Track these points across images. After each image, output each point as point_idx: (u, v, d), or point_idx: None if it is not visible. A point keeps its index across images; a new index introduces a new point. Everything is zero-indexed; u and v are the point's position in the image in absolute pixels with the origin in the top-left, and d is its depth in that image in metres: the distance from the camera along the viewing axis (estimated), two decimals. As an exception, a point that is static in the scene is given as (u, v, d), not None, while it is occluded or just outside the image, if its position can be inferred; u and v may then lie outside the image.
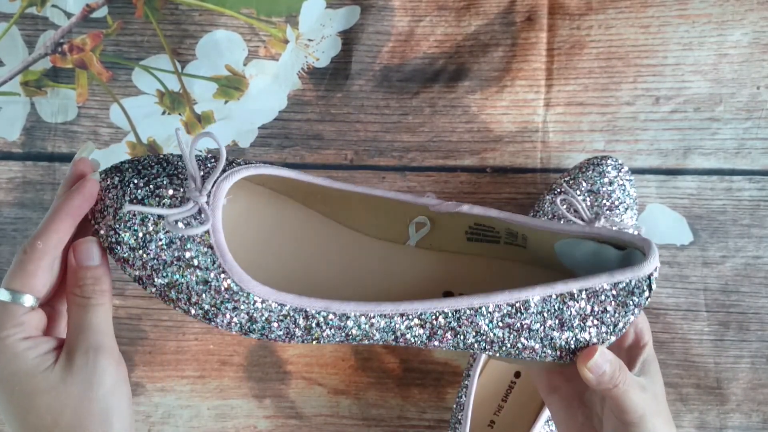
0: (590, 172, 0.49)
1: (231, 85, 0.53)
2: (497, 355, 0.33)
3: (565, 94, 0.52)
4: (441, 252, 0.39)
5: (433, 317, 0.32)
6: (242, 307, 0.31)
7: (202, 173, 0.32)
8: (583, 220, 0.47)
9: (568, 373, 0.38)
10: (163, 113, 0.53)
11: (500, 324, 0.32)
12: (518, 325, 0.32)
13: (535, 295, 0.31)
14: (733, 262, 0.52)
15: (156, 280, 0.31)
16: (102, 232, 0.32)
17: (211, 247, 0.31)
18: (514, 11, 0.52)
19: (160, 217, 0.31)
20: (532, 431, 0.47)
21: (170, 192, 0.31)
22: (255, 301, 0.31)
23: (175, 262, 0.31)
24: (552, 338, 0.32)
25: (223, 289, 0.31)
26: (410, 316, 0.32)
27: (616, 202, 0.48)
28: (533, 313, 0.32)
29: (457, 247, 0.38)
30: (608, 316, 0.32)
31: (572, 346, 0.33)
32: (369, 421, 0.53)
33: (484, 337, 0.32)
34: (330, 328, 0.32)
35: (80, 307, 0.32)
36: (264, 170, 0.34)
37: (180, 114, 0.53)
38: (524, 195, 0.53)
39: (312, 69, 0.53)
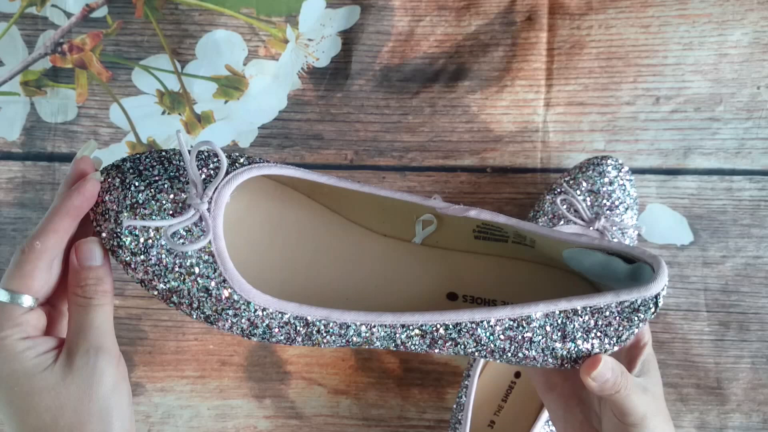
0: (590, 172, 0.49)
1: (231, 85, 0.53)
2: (497, 362, 0.33)
3: (565, 94, 0.52)
4: (447, 250, 0.39)
5: (434, 328, 0.32)
6: (243, 314, 0.31)
7: (204, 176, 0.32)
8: (583, 219, 0.47)
9: (566, 372, 0.38)
10: (163, 113, 0.53)
11: (501, 336, 0.32)
12: (520, 337, 0.32)
13: (538, 311, 0.31)
14: (734, 262, 0.52)
15: (158, 285, 0.31)
16: (104, 234, 0.32)
17: (212, 254, 0.31)
18: (514, 11, 0.52)
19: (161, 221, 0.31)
20: (531, 431, 0.47)
21: (171, 196, 0.31)
22: (255, 310, 0.31)
23: (177, 269, 0.31)
24: (554, 349, 0.32)
25: (223, 297, 0.31)
26: (411, 327, 0.32)
27: (617, 202, 0.48)
28: (535, 327, 0.32)
29: (464, 245, 0.38)
30: (612, 329, 0.32)
31: (574, 356, 0.33)
32: (369, 421, 0.53)
33: (485, 347, 0.32)
34: (331, 336, 0.32)
35: (81, 307, 0.31)
36: (268, 170, 0.34)
37: (180, 114, 0.53)
38: (524, 195, 0.53)
39: (312, 69, 0.53)
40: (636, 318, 0.32)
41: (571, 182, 0.49)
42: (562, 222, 0.48)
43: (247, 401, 0.53)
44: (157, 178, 0.32)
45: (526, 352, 0.32)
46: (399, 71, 0.53)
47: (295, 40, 0.53)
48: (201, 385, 0.53)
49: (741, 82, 0.52)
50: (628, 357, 0.36)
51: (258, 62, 0.53)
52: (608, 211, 0.48)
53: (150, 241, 0.31)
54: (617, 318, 0.32)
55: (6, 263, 0.53)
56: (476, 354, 0.33)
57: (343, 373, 0.53)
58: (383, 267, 0.38)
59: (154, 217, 0.31)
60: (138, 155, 0.33)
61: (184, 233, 0.31)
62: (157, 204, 0.31)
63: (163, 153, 0.33)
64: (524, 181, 0.53)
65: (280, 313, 0.31)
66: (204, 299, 0.31)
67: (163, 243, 0.31)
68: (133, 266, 0.31)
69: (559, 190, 0.49)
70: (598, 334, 0.32)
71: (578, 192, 0.48)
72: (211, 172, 0.32)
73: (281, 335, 0.32)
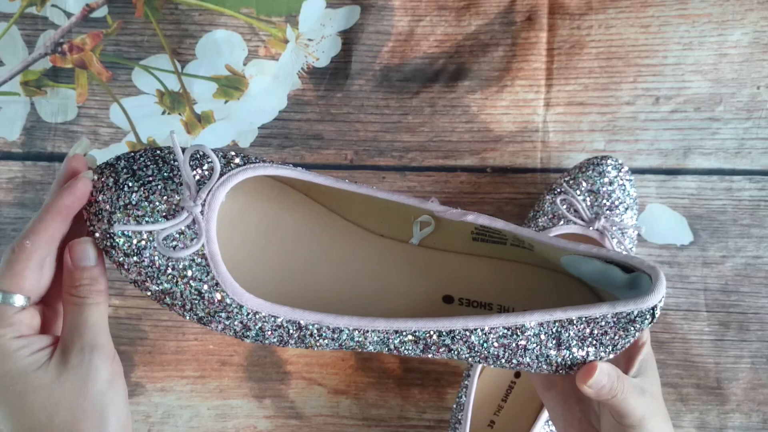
0: (590, 171, 0.49)
1: (231, 85, 0.53)
2: (492, 367, 0.33)
3: (565, 94, 0.52)
4: (444, 252, 0.38)
5: (427, 334, 0.32)
6: (235, 317, 0.31)
7: (198, 176, 0.32)
8: (583, 219, 0.47)
9: None
10: (163, 113, 0.53)
11: (495, 344, 0.32)
12: (514, 345, 0.32)
13: (532, 320, 0.31)
14: (733, 262, 0.52)
15: (151, 286, 0.31)
16: (98, 235, 0.32)
17: (205, 257, 0.31)
18: (514, 11, 0.52)
19: (154, 222, 0.31)
20: (531, 431, 0.47)
21: (165, 198, 0.31)
22: (248, 313, 0.31)
23: (170, 271, 0.31)
24: (548, 356, 0.32)
25: (216, 300, 0.31)
26: (404, 333, 0.32)
27: (616, 202, 0.48)
28: (530, 335, 0.31)
29: (462, 247, 0.38)
30: (607, 338, 0.32)
31: (569, 363, 0.33)
32: (369, 421, 0.53)
33: (479, 354, 0.32)
34: (324, 339, 0.32)
35: (76, 306, 0.31)
36: (263, 171, 0.33)
37: (180, 114, 0.53)
38: (524, 195, 0.53)
39: (312, 69, 0.53)
40: (632, 328, 0.32)
41: (571, 182, 0.49)
42: (562, 222, 0.48)
43: (247, 401, 0.53)
44: (150, 178, 0.32)
45: (520, 359, 0.32)
46: (399, 71, 0.53)
47: (295, 40, 0.53)
48: (201, 385, 0.53)
49: (741, 82, 0.52)
50: (626, 357, 0.36)
51: (258, 62, 0.53)
52: (608, 211, 0.48)
53: (143, 242, 0.31)
54: (613, 328, 0.32)
55: (6, 263, 0.53)
56: (470, 360, 0.33)
57: (343, 373, 0.53)
58: (379, 269, 0.38)
59: (147, 218, 0.31)
60: (132, 153, 0.33)
61: (177, 236, 0.31)
62: (150, 205, 0.31)
63: (158, 152, 0.33)
64: (524, 181, 0.53)
65: (272, 316, 0.31)
66: (197, 302, 0.31)
67: (156, 246, 0.31)
68: (126, 267, 0.31)
69: (559, 190, 0.49)
70: (594, 342, 0.32)
71: (578, 192, 0.48)
72: (206, 172, 0.32)
73: (274, 338, 0.32)
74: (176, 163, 0.32)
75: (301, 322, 0.31)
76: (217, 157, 0.33)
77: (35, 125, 0.53)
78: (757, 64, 0.52)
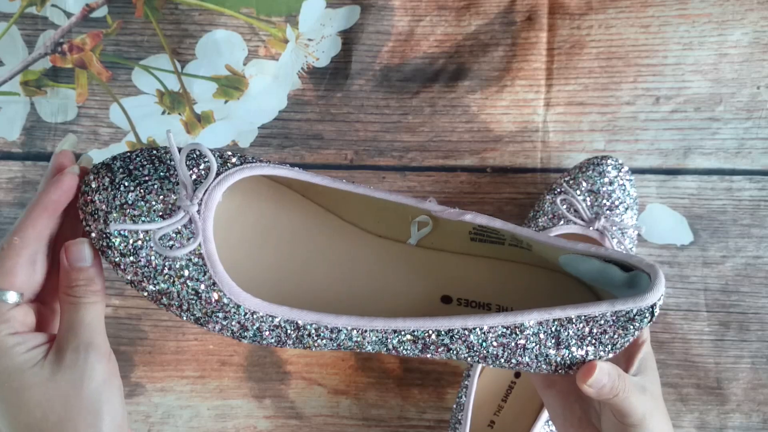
0: (590, 171, 0.49)
1: (231, 85, 0.53)
2: (491, 366, 0.33)
3: (565, 94, 0.52)
4: (442, 252, 0.38)
5: (426, 334, 0.31)
6: (233, 317, 0.31)
7: (195, 176, 0.32)
8: (583, 219, 0.47)
9: None
10: (163, 113, 0.53)
11: (494, 343, 0.32)
12: (513, 344, 0.32)
13: (531, 319, 0.31)
14: (734, 262, 0.52)
15: (147, 286, 0.31)
16: (94, 235, 0.31)
17: (202, 257, 0.31)
18: (514, 11, 0.52)
19: (150, 221, 0.31)
20: (531, 431, 0.47)
21: (161, 197, 0.31)
22: (246, 313, 0.31)
23: (166, 271, 0.31)
24: (547, 355, 0.32)
25: (213, 300, 0.31)
26: (403, 332, 0.31)
27: (616, 202, 0.48)
28: (529, 334, 0.31)
29: (460, 247, 0.38)
30: (607, 337, 0.32)
31: (568, 362, 0.33)
32: (369, 421, 0.53)
33: (478, 354, 0.32)
34: (322, 339, 0.32)
35: (72, 305, 0.32)
36: (260, 170, 0.33)
37: (180, 114, 0.53)
38: (524, 195, 0.53)
39: (312, 69, 0.53)
40: (631, 327, 0.32)
41: (571, 182, 0.49)
42: (562, 222, 0.48)
43: (247, 401, 0.53)
44: (147, 178, 0.31)
45: (519, 358, 0.32)
46: (399, 71, 0.53)
47: (295, 40, 0.53)
48: (201, 385, 0.53)
49: (741, 82, 0.52)
50: (626, 355, 0.36)
51: (258, 62, 0.53)
52: (608, 211, 0.48)
53: (139, 242, 0.31)
54: (612, 326, 0.31)
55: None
56: (469, 359, 0.33)
57: (343, 373, 0.53)
58: (377, 269, 0.38)
59: (143, 218, 0.31)
60: (128, 153, 0.33)
61: (174, 235, 0.31)
62: (147, 205, 0.31)
63: (154, 152, 0.33)
64: (524, 181, 0.53)
65: (270, 316, 0.31)
66: (194, 302, 0.31)
67: (152, 245, 0.31)
68: (122, 267, 0.31)
69: (559, 190, 0.49)
70: (593, 341, 0.32)
71: (578, 192, 0.48)
72: (202, 172, 0.32)
73: (272, 338, 0.32)
74: (173, 163, 0.32)
75: (299, 321, 0.31)
76: (214, 156, 0.33)
77: (35, 125, 0.53)
78: (757, 64, 0.52)
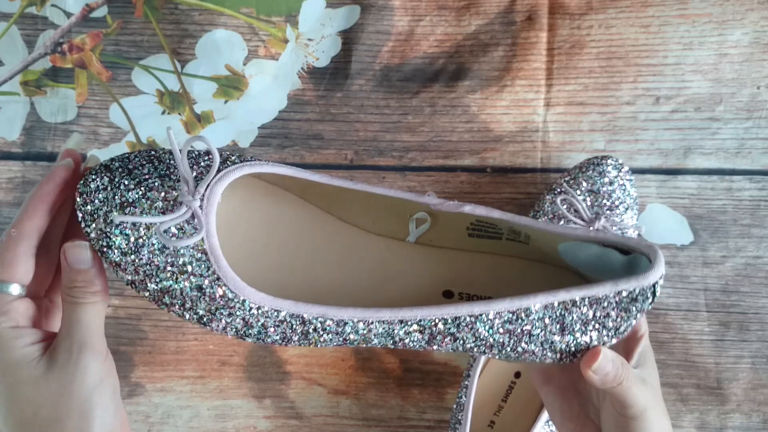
0: (590, 171, 0.49)
1: (231, 85, 0.53)
2: (496, 357, 0.33)
3: (565, 94, 0.52)
4: (441, 248, 0.38)
5: (432, 323, 0.31)
6: (238, 313, 0.31)
7: (195, 174, 0.32)
8: (583, 219, 0.47)
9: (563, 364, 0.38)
10: (163, 113, 0.53)
11: (500, 330, 0.31)
12: (519, 330, 0.31)
13: (537, 302, 0.31)
14: (734, 262, 0.52)
15: (149, 285, 0.31)
16: (93, 235, 0.31)
17: (205, 252, 0.30)
18: (514, 11, 0.52)
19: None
20: (531, 431, 0.47)
21: (162, 194, 0.31)
22: (251, 308, 0.30)
23: (169, 268, 0.30)
24: (552, 342, 0.32)
25: (217, 296, 0.30)
26: (409, 323, 0.31)
27: (617, 202, 0.48)
28: (534, 319, 0.31)
29: (458, 243, 0.38)
30: (610, 321, 0.32)
31: (573, 349, 0.33)
32: (369, 421, 0.53)
33: (484, 342, 0.32)
34: (327, 334, 0.31)
35: (70, 305, 0.32)
36: (260, 168, 0.33)
37: (180, 114, 0.53)
38: (524, 195, 0.53)
39: (312, 69, 0.53)
40: (634, 308, 0.32)
41: (571, 182, 0.49)
42: (562, 222, 0.48)
43: (247, 401, 0.53)
44: (147, 176, 0.31)
45: (525, 345, 0.32)
46: (399, 71, 0.53)
47: (295, 39, 0.53)
48: (201, 385, 0.53)
49: (741, 82, 0.52)
50: (626, 349, 0.36)
51: (258, 62, 0.53)
52: (608, 211, 0.48)
53: (141, 240, 0.30)
54: (615, 309, 0.32)
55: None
56: (475, 349, 0.32)
57: (343, 373, 0.53)
58: (378, 266, 0.38)
59: (144, 215, 0.30)
60: (127, 154, 0.33)
61: (176, 231, 0.30)
62: (148, 202, 0.30)
63: (153, 152, 0.33)
64: (524, 181, 0.53)
65: (275, 311, 0.31)
66: (197, 298, 0.30)
67: (154, 242, 0.30)
68: (123, 267, 0.31)
69: (559, 190, 0.49)
70: (597, 326, 0.32)
71: (578, 192, 0.48)
72: (202, 170, 0.32)
73: (277, 335, 0.31)
74: (172, 162, 0.32)
75: (305, 315, 0.31)
76: (212, 156, 0.33)
77: (35, 125, 0.53)
78: (757, 64, 0.52)
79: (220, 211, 0.34)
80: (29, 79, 0.53)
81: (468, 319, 0.31)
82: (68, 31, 0.53)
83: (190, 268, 0.30)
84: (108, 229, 0.30)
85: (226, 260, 0.31)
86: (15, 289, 0.31)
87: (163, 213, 0.30)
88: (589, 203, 0.48)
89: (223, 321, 0.31)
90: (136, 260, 0.30)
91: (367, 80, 0.53)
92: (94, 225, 0.31)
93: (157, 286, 0.31)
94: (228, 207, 0.36)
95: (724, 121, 0.52)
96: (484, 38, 0.53)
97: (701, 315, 0.52)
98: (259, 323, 0.31)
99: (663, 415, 0.34)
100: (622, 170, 0.49)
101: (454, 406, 0.49)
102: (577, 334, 0.32)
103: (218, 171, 0.32)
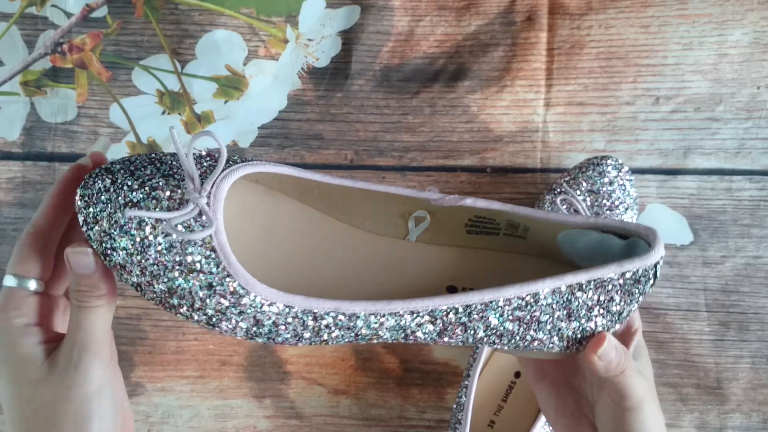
0: (590, 171, 0.49)
1: (231, 85, 0.53)
2: (505, 348, 0.33)
3: (565, 94, 0.52)
4: (441, 246, 0.39)
5: (444, 313, 0.31)
6: (249, 311, 0.30)
7: (199, 173, 0.32)
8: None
9: (558, 360, 0.39)
10: (163, 113, 0.53)
11: (510, 317, 0.32)
12: (528, 317, 0.32)
13: (545, 287, 0.31)
14: (734, 262, 0.52)
15: (156, 286, 0.30)
16: (96, 238, 0.30)
17: (214, 249, 0.30)
18: (514, 11, 0.52)
19: (158, 220, 0.30)
20: (531, 431, 0.47)
21: (167, 193, 0.30)
22: (262, 305, 0.30)
23: (177, 267, 0.30)
24: (560, 329, 0.32)
25: (228, 293, 0.30)
26: (420, 314, 0.31)
27: (616, 202, 0.48)
28: (543, 305, 0.32)
29: (456, 241, 0.38)
30: (614, 305, 0.32)
31: (579, 336, 0.33)
32: (369, 421, 0.53)
33: (494, 331, 0.32)
34: (339, 329, 0.31)
35: (75, 308, 0.31)
36: (263, 168, 0.33)
37: (180, 114, 0.53)
38: (524, 195, 0.53)
39: (312, 69, 0.53)
40: (636, 291, 0.32)
41: (571, 182, 0.49)
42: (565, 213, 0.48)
43: (247, 401, 0.53)
44: (150, 176, 0.31)
45: (534, 333, 0.32)
46: (399, 71, 0.53)
47: (295, 40, 0.53)
48: (201, 385, 0.53)
49: (741, 82, 0.52)
50: (621, 343, 0.36)
51: (258, 62, 0.53)
52: (608, 211, 0.48)
53: (147, 240, 0.30)
54: (619, 292, 0.32)
55: (6, 263, 0.53)
56: (485, 339, 0.32)
57: (343, 373, 0.53)
58: (381, 265, 0.38)
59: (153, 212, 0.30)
60: (127, 157, 0.32)
61: (184, 230, 0.30)
62: (154, 202, 0.30)
63: (154, 155, 0.33)
64: (524, 181, 0.53)
65: (287, 307, 0.30)
66: (207, 297, 0.30)
67: (161, 241, 0.30)
68: (128, 269, 0.30)
69: (559, 190, 0.49)
70: (601, 311, 0.32)
71: (578, 192, 0.48)
72: (205, 169, 0.32)
73: (288, 333, 0.31)
74: (174, 163, 0.32)
75: (317, 311, 0.30)
76: (213, 158, 0.33)
77: (35, 125, 0.53)
78: (757, 64, 0.52)
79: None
80: (29, 79, 0.53)
81: (479, 307, 0.31)
82: (68, 31, 0.53)
83: (198, 266, 0.30)
84: (113, 231, 0.30)
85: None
86: (32, 285, 0.32)
87: (170, 211, 0.30)
88: (589, 203, 0.48)
89: (233, 320, 0.30)
90: (143, 261, 0.30)
91: (367, 80, 0.53)
92: (97, 227, 0.30)
93: (164, 286, 0.30)
94: (228, 210, 0.36)
95: (723, 121, 0.52)
96: (484, 38, 0.53)
97: (701, 315, 0.52)
98: (270, 321, 0.30)
99: (658, 409, 0.35)
100: (622, 170, 0.49)
101: (454, 406, 0.49)
102: (583, 320, 0.32)
103: (222, 169, 0.31)
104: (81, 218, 0.31)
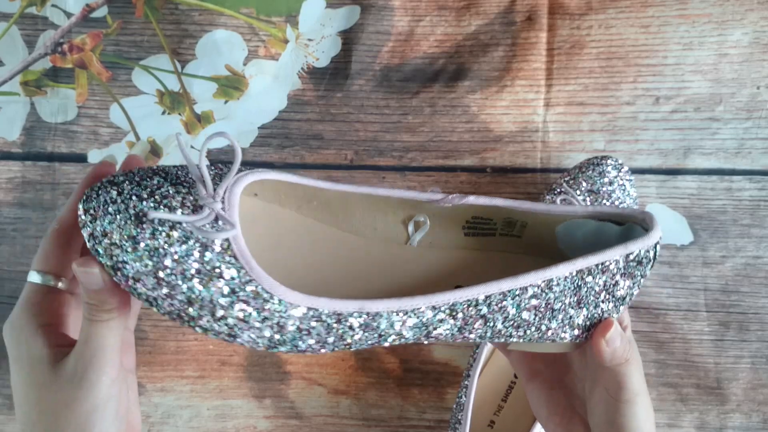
0: (590, 172, 0.49)
1: (231, 85, 0.53)
2: (521, 341, 0.33)
3: (565, 94, 0.52)
4: (443, 249, 0.39)
5: (464, 306, 0.31)
6: (273, 316, 0.29)
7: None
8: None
9: (548, 358, 0.39)
10: (163, 113, 0.53)
11: (527, 306, 0.32)
12: (543, 305, 0.32)
13: (558, 273, 0.32)
14: (733, 262, 0.52)
15: (176, 296, 0.29)
16: (105, 252, 0.29)
17: (234, 255, 0.29)
18: (514, 11, 0.52)
19: (172, 228, 0.29)
20: (531, 431, 0.47)
21: (180, 200, 0.29)
22: (286, 308, 0.29)
23: (196, 275, 0.28)
24: (571, 317, 0.33)
25: (251, 298, 0.29)
26: (442, 308, 0.31)
27: (616, 202, 0.48)
28: (556, 292, 0.32)
29: (456, 243, 0.38)
30: (618, 289, 0.33)
31: (588, 324, 0.34)
32: (369, 421, 0.53)
33: (512, 322, 0.32)
34: (363, 330, 0.30)
35: (86, 320, 0.31)
36: (268, 175, 0.33)
37: (180, 114, 0.53)
38: (524, 195, 0.53)
39: (312, 69, 0.53)
40: (638, 273, 0.33)
41: (571, 182, 0.49)
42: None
43: (247, 401, 0.53)
44: (158, 186, 0.30)
45: (548, 323, 0.33)
46: (399, 71, 0.53)
47: (295, 40, 0.53)
48: (201, 385, 0.53)
49: (741, 82, 0.52)
50: None
51: (258, 62, 0.53)
52: (608, 211, 0.48)
53: (162, 249, 0.28)
54: (623, 275, 0.33)
55: (6, 263, 0.53)
56: (503, 332, 0.33)
57: (343, 373, 0.53)
58: (388, 271, 0.38)
59: (163, 226, 0.29)
60: (129, 171, 0.31)
61: (199, 236, 0.29)
62: (166, 210, 0.29)
63: (157, 167, 0.32)
64: (524, 181, 0.53)
65: (311, 309, 0.29)
66: (229, 305, 0.29)
67: (176, 249, 0.28)
68: (143, 281, 0.29)
69: (559, 190, 0.49)
70: (607, 296, 0.33)
71: (578, 192, 0.48)
72: (213, 176, 0.32)
73: (312, 338, 0.30)
74: (180, 173, 0.31)
75: (343, 312, 0.30)
76: (215, 168, 0.32)
77: (35, 125, 0.53)
78: (757, 64, 0.52)
79: None
80: (29, 79, 0.53)
81: (497, 296, 0.31)
82: (68, 31, 0.53)
83: (219, 272, 0.29)
84: (124, 243, 0.29)
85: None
86: (55, 282, 0.31)
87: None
88: (588, 203, 0.48)
89: (256, 327, 0.29)
90: (158, 271, 0.29)
91: (367, 80, 0.53)
92: (106, 240, 0.29)
93: (183, 296, 0.29)
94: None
95: (723, 121, 0.52)
96: (484, 38, 0.53)
97: (701, 315, 0.52)
98: (294, 326, 0.29)
99: (650, 404, 0.35)
100: (622, 170, 0.49)
101: (454, 406, 0.49)
102: (591, 307, 0.33)
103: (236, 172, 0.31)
104: (86, 233, 0.29)
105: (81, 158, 0.53)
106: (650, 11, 0.52)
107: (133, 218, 0.29)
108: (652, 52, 0.52)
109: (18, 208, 0.53)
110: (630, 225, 0.34)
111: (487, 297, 0.31)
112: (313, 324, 0.30)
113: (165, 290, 0.29)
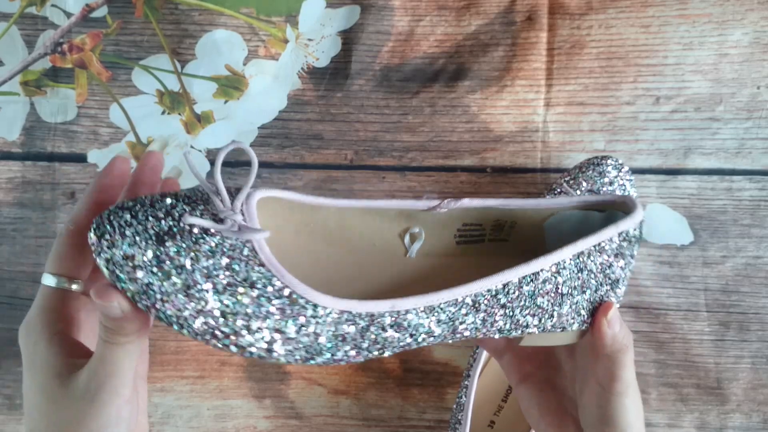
0: (590, 171, 0.49)
1: (231, 85, 0.53)
2: (536, 331, 0.34)
3: (565, 94, 0.52)
4: (439, 257, 0.39)
5: (485, 297, 0.32)
6: (309, 324, 0.29)
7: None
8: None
9: (538, 360, 0.39)
10: (163, 113, 0.53)
11: (541, 292, 0.33)
12: (554, 290, 0.33)
13: (564, 255, 0.33)
14: (734, 262, 0.52)
15: (211, 312, 0.28)
16: (127, 276, 0.28)
17: (262, 264, 0.28)
18: (515, 11, 0.52)
19: (195, 242, 0.28)
20: (531, 431, 0.47)
21: (198, 215, 0.29)
22: (321, 314, 0.29)
23: (228, 288, 0.28)
24: (577, 302, 0.34)
25: (286, 305, 0.28)
26: (465, 301, 0.31)
27: (617, 202, 0.48)
28: (564, 276, 0.33)
29: (449, 252, 0.39)
30: (612, 271, 0.34)
31: (590, 308, 0.35)
32: (369, 421, 0.53)
33: (529, 311, 0.33)
34: (396, 330, 0.30)
35: (102, 341, 0.30)
36: (271, 193, 0.32)
37: (180, 114, 0.53)
38: (524, 195, 0.53)
39: (312, 69, 0.53)
40: (628, 253, 0.35)
41: (571, 182, 0.49)
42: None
43: (247, 401, 0.53)
44: (171, 206, 0.29)
45: (559, 308, 0.33)
46: (399, 71, 0.53)
47: (295, 40, 0.53)
48: (201, 385, 0.53)
49: (741, 82, 0.52)
50: None
51: (258, 62, 0.53)
52: (608, 211, 0.48)
53: (188, 267, 0.28)
54: (615, 256, 0.34)
55: (6, 263, 0.53)
56: (521, 321, 0.33)
57: (343, 373, 0.53)
58: (395, 282, 0.38)
59: (187, 242, 0.28)
60: (138, 197, 0.30)
61: (226, 249, 0.28)
62: (188, 228, 0.28)
63: (164, 192, 0.31)
64: (524, 181, 0.53)
65: (345, 312, 0.29)
66: (266, 316, 0.28)
67: (204, 266, 0.28)
68: (172, 302, 0.28)
69: (559, 190, 0.49)
70: (604, 279, 0.35)
71: (578, 192, 0.48)
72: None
73: (347, 344, 0.29)
74: (189, 194, 0.31)
75: (374, 312, 0.29)
76: (210, 182, 0.32)
77: (35, 125, 0.53)
78: (757, 64, 0.52)
79: None
80: (29, 79, 0.53)
81: (515, 285, 0.32)
82: (68, 31, 0.53)
83: (250, 283, 0.28)
84: (148, 266, 0.28)
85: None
86: (71, 285, 0.30)
87: (206, 232, 0.29)
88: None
89: (292, 336, 0.29)
90: (188, 289, 0.28)
91: (367, 80, 0.53)
92: (129, 265, 0.28)
93: (218, 312, 0.28)
94: None
95: (724, 121, 0.52)
96: (484, 38, 0.53)
97: (701, 315, 0.52)
98: (330, 332, 0.29)
99: (639, 397, 0.35)
100: (622, 170, 0.49)
101: (454, 406, 0.49)
102: (592, 290, 0.34)
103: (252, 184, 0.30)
104: (103, 260, 0.28)
105: (81, 158, 0.53)
106: (650, 11, 0.52)
107: (154, 238, 0.28)
108: (653, 52, 0.52)
109: (18, 208, 0.53)
110: (610, 211, 0.36)
111: (504, 285, 0.32)
112: (348, 329, 0.29)
113: (197, 306, 0.28)
